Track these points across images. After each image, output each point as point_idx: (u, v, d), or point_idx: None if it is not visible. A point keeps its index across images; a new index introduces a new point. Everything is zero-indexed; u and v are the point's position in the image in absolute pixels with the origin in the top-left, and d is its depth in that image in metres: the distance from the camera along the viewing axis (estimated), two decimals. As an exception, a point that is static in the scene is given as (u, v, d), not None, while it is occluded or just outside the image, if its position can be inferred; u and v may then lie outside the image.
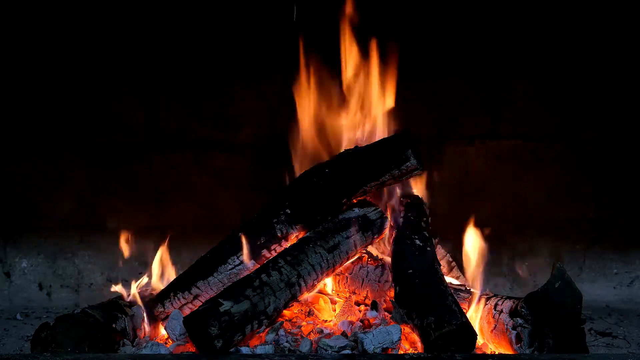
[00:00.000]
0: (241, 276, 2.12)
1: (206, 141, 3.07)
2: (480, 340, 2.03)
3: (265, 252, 2.24)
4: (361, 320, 2.13)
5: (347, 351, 1.89)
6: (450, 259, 2.50)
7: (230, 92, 3.04)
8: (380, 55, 2.51)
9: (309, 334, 2.05)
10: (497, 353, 1.97)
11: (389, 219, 2.35)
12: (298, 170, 2.45)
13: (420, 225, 2.33)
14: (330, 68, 2.57)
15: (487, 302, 2.08)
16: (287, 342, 1.97)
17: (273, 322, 2.01)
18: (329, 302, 2.26)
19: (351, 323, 2.11)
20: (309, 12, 2.85)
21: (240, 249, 2.22)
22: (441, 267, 2.17)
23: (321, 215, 2.25)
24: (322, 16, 2.79)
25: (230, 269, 2.21)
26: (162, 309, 2.21)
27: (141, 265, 2.97)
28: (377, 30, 2.55)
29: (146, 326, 2.16)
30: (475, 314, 2.08)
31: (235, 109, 3.04)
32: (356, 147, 2.33)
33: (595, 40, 2.99)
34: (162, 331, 2.20)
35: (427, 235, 2.29)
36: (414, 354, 1.85)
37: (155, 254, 2.39)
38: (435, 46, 2.99)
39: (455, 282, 2.38)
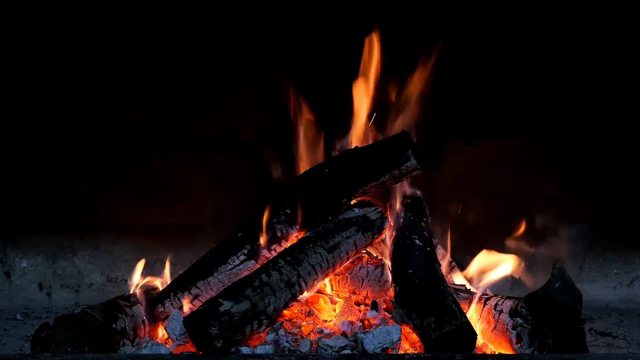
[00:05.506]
0: (241, 276, 2.12)
1: (206, 141, 3.07)
2: (480, 340, 2.03)
3: (265, 252, 2.24)
4: (361, 320, 2.13)
5: (347, 351, 1.89)
6: (450, 259, 2.50)
7: (231, 92, 3.03)
8: (380, 56, 2.51)
9: (309, 334, 2.05)
10: (497, 353, 1.97)
11: (389, 219, 2.35)
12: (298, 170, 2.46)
13: (420, 225, 2.33)
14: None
15: (487, 302, 2.08)
16: (287, 342, 1.97)
17: (273, 322, 2.00)
18: (329, 302, 2.26)
19: (351, 323, 2.11)
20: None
21: (240, 249, 2.22)
22: (441, 267, 2.17)
23: (321, 215, 2.25)
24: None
25: (230, 269, 2.21)
26: (162, 309, 2.21)
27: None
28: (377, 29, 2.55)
29: (146, 326, 2.17)
30: (475, 314, 2.09)
31: (236, 108, 3.04)
32: (356, 147, 2.33)
33: (595, 42, 2.99)
34: (162, 331, 2.20)
35: (427, 235, 2.29)
36: (414, 354, 1.85)
37: (154, 254, 2.39)
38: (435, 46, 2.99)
39: (455, 282, 2.38)
